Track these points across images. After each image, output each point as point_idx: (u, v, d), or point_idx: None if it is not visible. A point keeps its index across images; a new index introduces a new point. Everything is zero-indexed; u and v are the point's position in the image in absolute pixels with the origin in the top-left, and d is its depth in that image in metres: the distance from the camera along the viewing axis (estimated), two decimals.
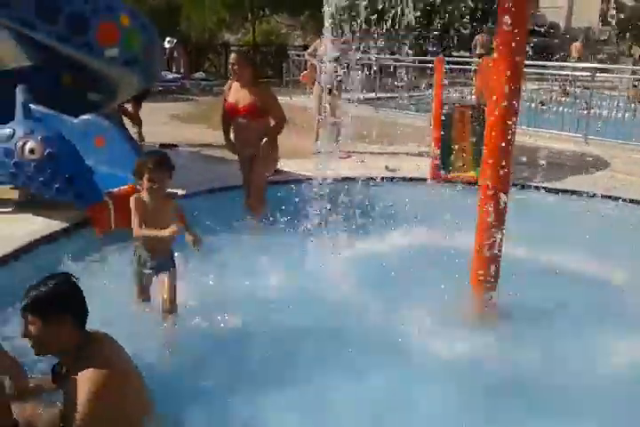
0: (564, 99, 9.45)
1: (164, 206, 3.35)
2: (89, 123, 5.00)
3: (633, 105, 9.25)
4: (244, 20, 20.95)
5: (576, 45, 16.49)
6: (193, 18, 20.27)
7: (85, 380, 2.12)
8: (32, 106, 4.86)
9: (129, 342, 2.41)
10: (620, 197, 5.62)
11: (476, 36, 14.78)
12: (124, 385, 2.20)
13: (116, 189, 4.65)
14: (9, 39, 5.78)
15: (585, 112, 8.11)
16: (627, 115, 8.76)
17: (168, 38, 15.61)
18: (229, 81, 5.17)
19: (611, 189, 5.74)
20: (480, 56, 13.73)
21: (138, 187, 3.42)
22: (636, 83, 10.03)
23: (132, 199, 3.32)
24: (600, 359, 3.05)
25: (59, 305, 2.16)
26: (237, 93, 4.98)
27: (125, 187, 4.76)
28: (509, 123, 3.41)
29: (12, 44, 5.87)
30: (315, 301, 3.66)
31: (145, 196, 3.33)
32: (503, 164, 3.44)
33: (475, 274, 3.53)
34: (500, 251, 3.46)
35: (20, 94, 4.91)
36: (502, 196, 3.42)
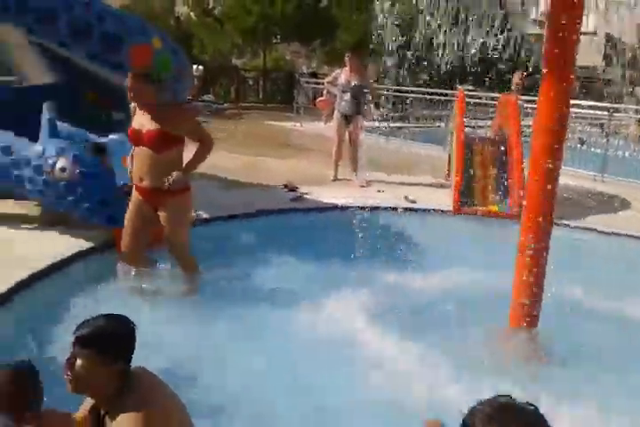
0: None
1: None
2: (117, 142, 4.95)
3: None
4: (257, 45, 21.21)
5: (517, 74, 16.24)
6: (206, 42, 20.52)
7: (125, 423, 2.01)
8: (59, 123, 4.82)
9: None
10: None
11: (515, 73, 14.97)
12: (167, 424, 2.09)
13: None
14: (36, 56, 5.80)
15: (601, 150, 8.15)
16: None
17: (195, 66, 15.83)
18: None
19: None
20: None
21: None
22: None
23: None
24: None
25: (118, 347, 2.06)
26: (141, 118, 3.99)
27: None
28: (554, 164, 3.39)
29: (39, 60, 5.89)
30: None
31: None
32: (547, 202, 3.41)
33: (515, 314, 3.46)
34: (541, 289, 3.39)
35: (46, 111, 4.87)
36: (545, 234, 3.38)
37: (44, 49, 5.55)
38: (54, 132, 4.67)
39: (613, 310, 4.06)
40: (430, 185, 7.87)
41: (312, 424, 2.78)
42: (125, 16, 5.57)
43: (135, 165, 3.99)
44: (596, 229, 5.81)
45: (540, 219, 3.39)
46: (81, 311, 3.14)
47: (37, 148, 4.33)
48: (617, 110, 9.93)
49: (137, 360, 2.07)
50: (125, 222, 4.01)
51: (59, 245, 4.37)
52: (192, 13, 22.21)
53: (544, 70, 3.40)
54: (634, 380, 3.03)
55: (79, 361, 2.02)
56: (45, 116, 4.84)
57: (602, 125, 9.90)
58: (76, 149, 4.32)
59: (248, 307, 3.79)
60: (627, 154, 8.79)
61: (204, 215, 5.15)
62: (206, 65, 19.51)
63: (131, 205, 4.03)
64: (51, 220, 4.84)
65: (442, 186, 7.60)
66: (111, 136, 5.04)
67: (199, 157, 4.01)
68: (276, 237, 4.88)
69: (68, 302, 3.63)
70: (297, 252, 4.63)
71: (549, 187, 3.40)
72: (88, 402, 2.21)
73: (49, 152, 4.26)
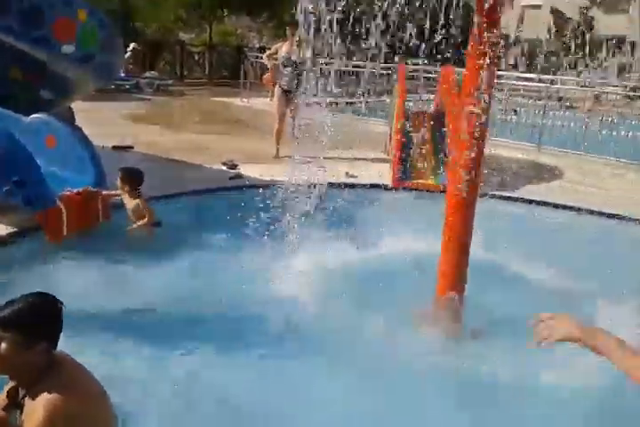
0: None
1: None
2: (40, 122, 4.77)
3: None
4: (200, 19, 20.63)
5: None
6: (148, 15, 19.83)
7: (40, 407, 1.97)
8: None
9: None
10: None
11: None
12: (85, 412, 2.07)
13: (68, 192, 4.45)
14: None
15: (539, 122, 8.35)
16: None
17: (133, 44, 15.35)
18: None
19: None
20: None
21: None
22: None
23: None
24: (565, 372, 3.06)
25: (41, 328, 2.00)
26: None
27: (79, 189, 4.57)
28: (480, 132, 3.43)
29: None
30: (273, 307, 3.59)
31: None
32: (473, 173, 3.46)
33: (441, 282, 3.54)
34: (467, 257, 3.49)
35: None
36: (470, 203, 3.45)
37: None
38: None
39: (535, 278, 4.20)
40: (374, 160, 7.91)
41: None
42: None
43: None
44: (523, 199, 6.01)
45: (464, 188, 3.45)
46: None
47: None
48: (553, 82, 10.18)
49: None
50: None
51: None
52: None
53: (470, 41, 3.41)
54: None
55: (1, 344, 1.97)
56: None
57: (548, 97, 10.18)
58: None
59: None
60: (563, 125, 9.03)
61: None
62: (147, 40, 18.92)
63: None
64: None
65: (385, 161, 7.65)
66: (35, 115, 4.85)
67: None
68: (208, 217, 4.83)
69: None
70: (227, 231, 4.60)
71: (472, 155, 3.46)
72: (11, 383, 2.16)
73: None
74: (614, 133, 9.15)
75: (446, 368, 3.05)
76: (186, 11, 20.23)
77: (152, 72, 16.25)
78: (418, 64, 11.71)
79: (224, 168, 6.74)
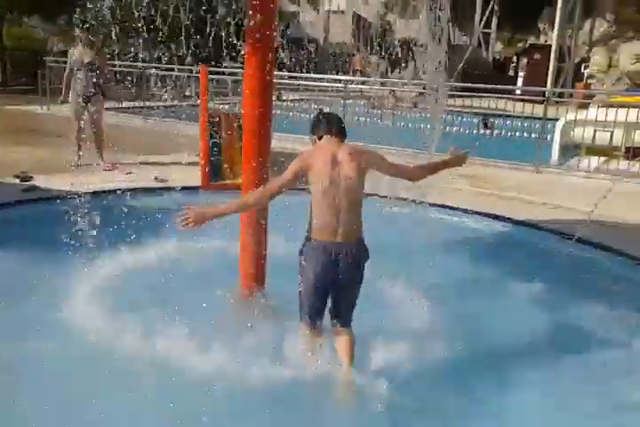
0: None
1: None
2: None
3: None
4: None
5: (357, 58, 17.43)
6: None
7: None
8: None
9: None
10: None
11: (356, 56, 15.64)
12: None
13: None
14: None
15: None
16: None
17: None
18: None
19: None
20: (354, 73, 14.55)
21: None
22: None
23: None
24: None
25: None
26: None
27: None
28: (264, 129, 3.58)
29: None
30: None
31: None
32: (262, 167, 3.60)
33: (243, 273, 3.63)
34: (265, 249, 3.61)
35: None
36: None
37: None
38: None
39: None
40: (186, 164, 7.81)
41: None
42: None
43: None
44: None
45: (256, 186, 3.57)
46: None
47: None
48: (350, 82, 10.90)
49: None
50: None
51: None
52: None
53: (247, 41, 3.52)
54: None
55: None
56: None
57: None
58: None
59: None
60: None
61: None
62: None
63: None
64: None
65: (198, 164, 7.59)
66: None
67: None
68: None
69: None
70: (24, 245, 4.26)
71: (261, 154, 3.61)
72: None
73: None
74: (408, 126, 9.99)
75: None
76: None
77: None
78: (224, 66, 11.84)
79: (17, 181, 6.19)
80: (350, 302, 3.06)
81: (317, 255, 2.91)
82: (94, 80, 7.24)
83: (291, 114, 9.77)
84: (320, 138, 3.08)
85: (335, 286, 2.98)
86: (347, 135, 3.13)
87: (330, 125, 3.08)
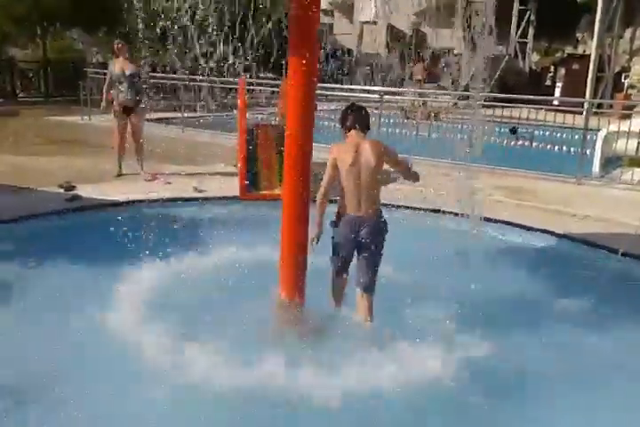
0: None
1: None
2: None
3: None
4: (32, 34, 19.30)
5: (419, 67, 17.07)
6: None
7: None
8: None
9: None
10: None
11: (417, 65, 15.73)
12: None
13: None
14: None
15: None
16: None
17: None
18: None
19: None
20: (418, 82, 14.59)
21: None
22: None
23: None
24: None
25: None
26: None
27: None
28: (306, 141, 3.58)
29: None
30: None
31: None
32: (302, 177, 3.60)
33: (284, 286, 3.63)
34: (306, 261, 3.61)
35: None
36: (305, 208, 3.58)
37: None
38: None
39: None
40: (223, 174, 7.89)
41: None
42: None
43: None
44: None
45: (297, 195, 3.57)
46: None
47: None
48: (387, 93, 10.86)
49: None
50: None
51: None
52: None
53: (290, 50, 3.53)
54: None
55: None
56: None
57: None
58: None
59: None
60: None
61: None
62: None
63: None
64: None
65: (234, 174, 7.66)
66: None
67: None
68: (42, 242, 4.51)
69: None
70: (70, 254, 4.34)
71: (303, 164, 3.60)
72: None
73: None
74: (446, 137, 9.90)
75: None
76: (15, 26, 18.80)
77: None
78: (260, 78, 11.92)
79: (61, 191, 6.34)
80: (370, 264, 3.63)
81: (344, 225, 3.61)
82: (136, 91, 7.38)
83: (326, 124, 9.77)
84: (349, 130, 3.71)
85: (359, 250, 3.62)
86: (370, 128, 3.78)
87: (355, 120, 3.72)
